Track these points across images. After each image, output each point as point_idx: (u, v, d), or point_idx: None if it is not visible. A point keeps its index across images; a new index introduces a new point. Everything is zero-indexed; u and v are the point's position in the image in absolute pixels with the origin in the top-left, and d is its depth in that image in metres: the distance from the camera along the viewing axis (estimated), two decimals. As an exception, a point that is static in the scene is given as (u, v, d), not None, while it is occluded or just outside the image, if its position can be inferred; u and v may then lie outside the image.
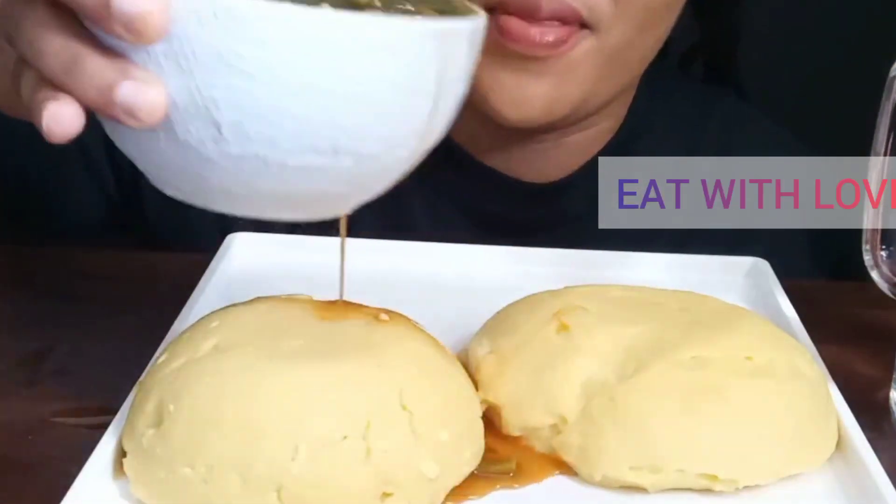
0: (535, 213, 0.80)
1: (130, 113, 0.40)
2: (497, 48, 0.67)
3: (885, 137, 0.57)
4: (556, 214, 0.80)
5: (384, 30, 0.41)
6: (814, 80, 1.09)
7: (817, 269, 0.81)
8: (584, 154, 0.79)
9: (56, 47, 0.41)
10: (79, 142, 0.76)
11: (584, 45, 0.68)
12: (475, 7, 0.46)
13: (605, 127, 0.79)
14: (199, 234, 0.69)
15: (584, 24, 0.67)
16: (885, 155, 0.57)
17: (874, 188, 0.57)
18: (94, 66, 0.40)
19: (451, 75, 0.44)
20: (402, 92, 0.43)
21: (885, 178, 0.57)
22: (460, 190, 0.79)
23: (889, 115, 0.56)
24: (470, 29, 0.44)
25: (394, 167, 0.46)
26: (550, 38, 0.66)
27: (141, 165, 0.45)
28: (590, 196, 0.79)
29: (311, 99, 0.41)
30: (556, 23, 0.66)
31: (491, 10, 0.67)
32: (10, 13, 0.43)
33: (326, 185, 0.44)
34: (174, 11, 0.39)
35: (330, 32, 0.40)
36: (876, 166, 0.57)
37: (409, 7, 0.45)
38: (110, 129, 0.44)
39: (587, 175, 0.79)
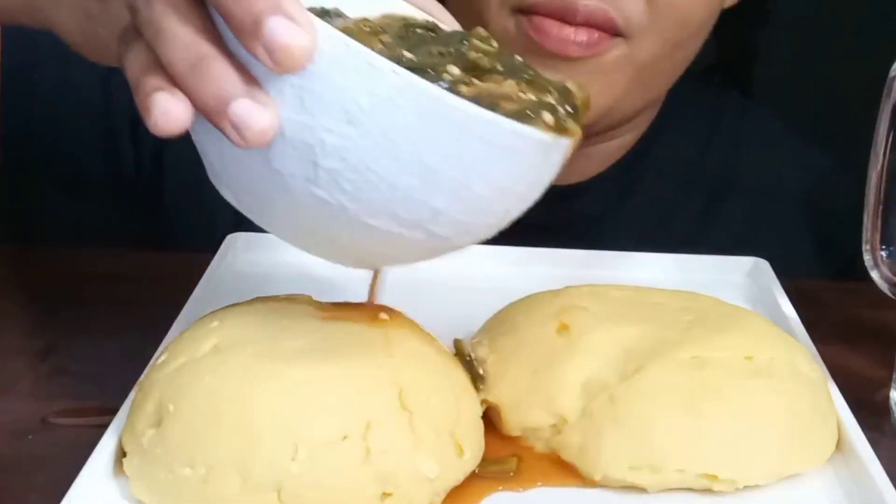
0: (547, 216, 0.80)
1: (239, 130, 0.39)
2: (529, 47, 0.67)
3: (884, 137, 0.57)
4: (569, 217, 0.79)
5: (509, 133, 0.42)
6: (831, 89, 1.09)
7: (817, 269, 0.81)
8: (603, 163, 0.80)
9: (185, 41, 0.40)
10: (103, 113, 0.76)
11: (616, 52, 0.68)
12: (573, 86, 0.47)
13: (627, 139, 0.80)
14: (213, 224, 0.69)
15: (617, 33, 0.68)
16: (884, 155, 0.57)
17: (874, 188, 0.57)
18: (219, 73, 0.40)
19: (539, 182, 0.45)
20: (496, 189, 0.43)
21: (885, 178, 0.57)
22: None
23: (889, 115, 0.56)
24: (568, 145, 0.44)
25: (454, 247, 0.47)
26: (584, 38, 0.67)
27: (210, 164, 0.45)
28: (602, 200, 0.79)
29: (416, 173, 0.41)
30: (591, 29, 0.67)
31: (526, 12, 0.67)
32: None
33: (387, 248, 0.45)
34: (319, 51, 0.39)
35: (462, 122, 0.41)
36: (876, 166, 0.57)
37: (530, 94, 0.45)
38: (197, 124, 0.43)
39: (602, 180, 0.79)
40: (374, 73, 0.40)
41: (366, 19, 0.49)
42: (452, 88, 0.42)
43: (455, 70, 0.46)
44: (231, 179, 0.45)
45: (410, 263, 0.49)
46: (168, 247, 0.79)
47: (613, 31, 0.67)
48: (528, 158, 0.43)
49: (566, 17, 0.66)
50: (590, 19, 0.66)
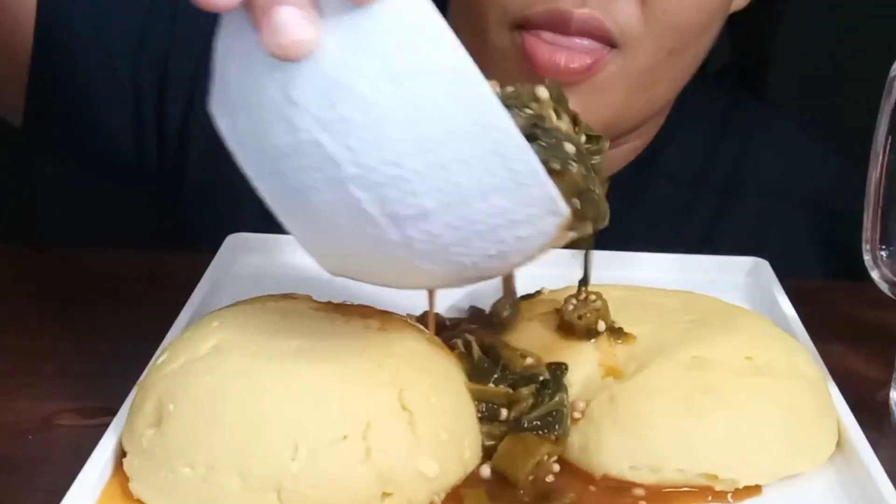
0: None
1: (276, 34, 0.39)
2: (525, 66, 0.66)
3: (884, 137, 0.57)
4: None
5: (529, 166, 0.41)
6: (847, 90, 1.09)
7: (829, 274, 0.81)
8: (611, 168, 0.79)
9: None
10: (133, 93, 0.74)
11: (612, 67, 0.67)
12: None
13: (635, 145, 0.79)
14: (235, 220, 0.68)
15: (612, 44, 0.66)
16: (884, 155, 0.57)
17: (874, 188, 0.57)
18: None
19: (529, 242, 0.44)
20: (488, 215, 0.42)
21: (884, 178, 0.57)
22: None
23: (889, 115, 0.56)
24: (560, 224, 0.44)
25: (425, 278, 0.45)
26: (575, 65, 0.66)
27: (225, 80, 0.43)
28: (611, 204, 0.79)
29: (424, 161, 0.40)
30: (586, 41, 0.66)
31: (519, 27, 0.66)
32: None
33: (358, 242, 0.43)
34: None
35: (492, 132, 0.40)
36: (876, 166, 0.57)
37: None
38: (233, 25, 0.42)
39: (611, 185, 0.79)
40: (436, 41, 0.39)
41: None
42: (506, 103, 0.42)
43: (563, 125, 0.46)
44: (239, 101, 0.42)
45: (375, 282, 0.47)
46: (187, 241, 0.78)
47: (608, 40, 0.66)
48: (533, 204, 0.42)
49: (560, 28, 0.65)
50: (583, 29, 0.65)
